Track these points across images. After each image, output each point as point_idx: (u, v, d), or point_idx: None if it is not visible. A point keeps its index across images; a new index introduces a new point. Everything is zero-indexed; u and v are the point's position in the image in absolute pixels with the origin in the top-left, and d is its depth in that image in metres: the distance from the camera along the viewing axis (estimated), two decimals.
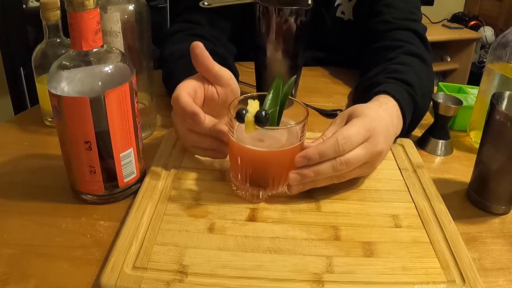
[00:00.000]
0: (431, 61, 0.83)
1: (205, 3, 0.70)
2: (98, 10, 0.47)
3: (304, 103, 0.54)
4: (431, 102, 0.68)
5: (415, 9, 0.90)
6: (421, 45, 0.84)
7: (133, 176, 0.55)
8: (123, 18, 0.59)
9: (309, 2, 0.73)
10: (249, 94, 0.54)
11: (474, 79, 2.74)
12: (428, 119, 0.75)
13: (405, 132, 0.66)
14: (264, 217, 0.52)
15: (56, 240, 0.49)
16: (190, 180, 0.57)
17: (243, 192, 0.55)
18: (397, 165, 0.62)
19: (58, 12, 0.66)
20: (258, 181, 0.53)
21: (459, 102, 0.66)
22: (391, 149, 0.66)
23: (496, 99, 0.54)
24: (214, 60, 0.57)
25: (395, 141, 0.66)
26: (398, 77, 0.69)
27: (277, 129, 0.54)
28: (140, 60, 0.63)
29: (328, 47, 1.00)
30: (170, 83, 0.74)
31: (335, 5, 0.95)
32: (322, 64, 1.02)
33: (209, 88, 0.57)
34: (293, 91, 0.81)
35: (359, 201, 0.55)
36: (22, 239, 0.49)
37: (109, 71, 0.49)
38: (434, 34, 2.59)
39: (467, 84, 0.85)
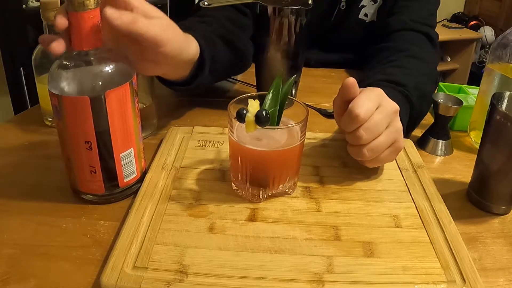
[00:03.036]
0: (436, 65, 0.83)
1: (206, 3, 0.70)
2: (99, 9, 0.47)
3: (304, 103, 0.54)
4: (432, 102, 0.68)
5: (431, 15, 0.91)
6: (431, 48, 0.85)
7: (133, 176, 0.55)
8: None
9: (309, 2, 0.73)
10: (249, 94, 0.54)
11: (474, 79, 2.75)
12: (428, 119, 0.75)
13: (404, 132, 0.66)
14: (264, 217, 0.52)
15: (56, 240, 0.49)
16: (190, 180, 0.57)
17: (243, 192, 0.55)
18: (397, 165, 0.62)
19: None
20: (258, 181, 0.53)
21: (459, 102, 0.66)
22: None
23: (496, 99, 0.54)
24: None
25: None
26: (390, 79, 0.69)
27: (278, 129, 0.54)
28: None
29: (344, 48, 1.01)
30: None
31: (359, 6, 0.95)
32: (337, 67, 1.02)
33: None
34: (293, 91, 0.81)
35: (359, 201, 0.55)
36: (22, 239, 0.49)
37: (110, 71, 0.49)
38: None
39: (467, 84, 0.86)
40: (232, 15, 0.83)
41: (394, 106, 0.56)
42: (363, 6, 0.95)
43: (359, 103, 0.52)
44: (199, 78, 0.68)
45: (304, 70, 0.82)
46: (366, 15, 0.96)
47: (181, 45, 0.58)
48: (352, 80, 0.53)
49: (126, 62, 0.51)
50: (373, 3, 0.95)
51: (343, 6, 0.96)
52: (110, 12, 0.47)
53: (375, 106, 0.54)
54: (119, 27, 0.47)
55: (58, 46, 0.46)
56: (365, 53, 0.91)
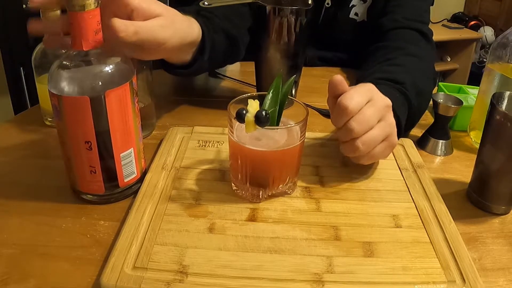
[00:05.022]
0: (433, 62, 0.83)
1: (205, 3, 0.70)
2: (99, 10, 0.47)
3: (304, 103, 0.54)
4: (431, 102, 0.68)
5: (424, 12, 0.91)
6: (426, 45, 0.85)
7: (133, 176, 0.55)
8: None
9: (309, 2, 0.73)
10: (249, 94, 0.54)
11: (474, 79, 2.74)
12: (428, 119, 0.75)
13: (403, 131, 0.66)
14: (264, 217, 0.52)
15: (56, 240, 0.49)
16: (190, 180, 0.57)
17: (243, 192, 0.55)
18: (397, 165, 0.62)
19: (58, 12, 0.66)
20: (258, 181, 0.53)
21: (459, 102, 0.66)
22: None
23: (496, 99, 0.54)
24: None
25: None
26: (388, 78, 0.69)
27: (277, 129, 0.54)
28: (140, 60, 0.63)
29: (338, 47, 1.01)
30: None
31: (350, 6, 0.95)
32: (330, 64, 1.02)
33: None
34: (293, 91, 0.81)
35: (359, 201, 0.55)
36: (22, 239, 0.49)
37: (110, 71, 0.49)
38: (434, 34, 2.59)
39: (467, 84, 0.86)
40: (230, 6, 0.83)
41: (385, 101, 0.55)
42: (353, 6, 0.95)
43: (348, 96, 0.52)
44: (198, 62, 0.69)
45: (304, 70, 0.82)
46: (356, 14, 0.96)
47: (182, 36, 0.60)
48: (339, 77, 0.53)
49: (125, 59, 0.51)
50: (362, 2, 0.95)
51: (328, 3, 0.96)
52: (118, 24, 0.48)
53: (365, 100, 0.53)
54: (124, 39, 0.49)
55: (52, 41, 0.47)
56: (361, 52, 0.91)
